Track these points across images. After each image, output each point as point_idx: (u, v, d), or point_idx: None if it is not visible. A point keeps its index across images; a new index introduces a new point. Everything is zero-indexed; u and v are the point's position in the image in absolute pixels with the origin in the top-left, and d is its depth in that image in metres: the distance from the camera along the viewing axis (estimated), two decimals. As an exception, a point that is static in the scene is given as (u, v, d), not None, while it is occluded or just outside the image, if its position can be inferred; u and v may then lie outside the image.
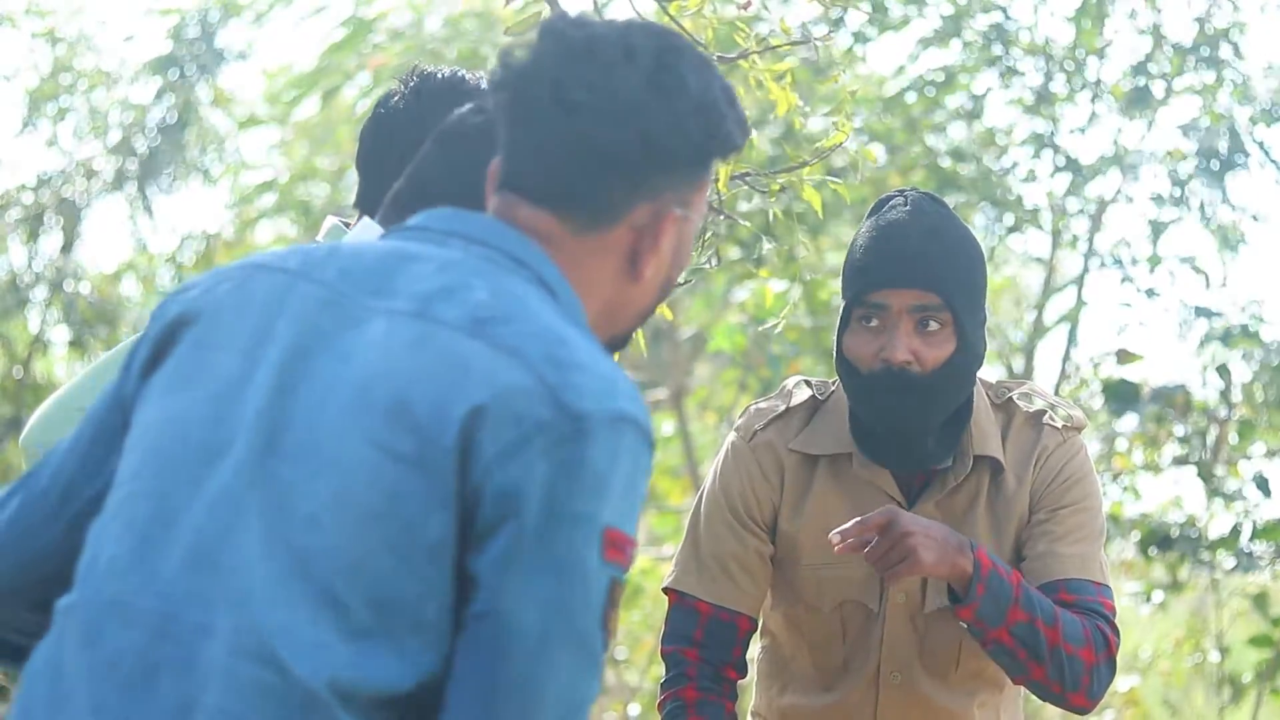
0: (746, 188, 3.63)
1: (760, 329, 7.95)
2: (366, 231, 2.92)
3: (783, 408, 3.31)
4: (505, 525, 1.95)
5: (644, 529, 9.37)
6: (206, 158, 9.82)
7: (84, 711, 1.96)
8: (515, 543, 1.95)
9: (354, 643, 1.95)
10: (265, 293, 2.07)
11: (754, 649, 3.45)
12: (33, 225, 9.59)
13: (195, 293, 2.11)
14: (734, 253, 7.50)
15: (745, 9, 3.67)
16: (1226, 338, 7.41)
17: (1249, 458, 7.52)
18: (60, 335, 10.05)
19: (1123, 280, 7.72)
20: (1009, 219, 7.92)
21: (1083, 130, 7.73)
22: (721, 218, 3.59)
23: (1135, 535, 7.58)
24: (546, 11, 3.38)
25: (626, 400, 2.00)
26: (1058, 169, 7.72)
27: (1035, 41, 7.65)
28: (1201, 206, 7.60)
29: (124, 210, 9.82)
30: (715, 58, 3.26)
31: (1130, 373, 7.63)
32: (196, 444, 2.02)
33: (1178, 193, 7.62)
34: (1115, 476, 7.62)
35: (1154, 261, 7.68)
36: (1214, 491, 7.46)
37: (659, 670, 7.67)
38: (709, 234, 3.57)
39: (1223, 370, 7.43)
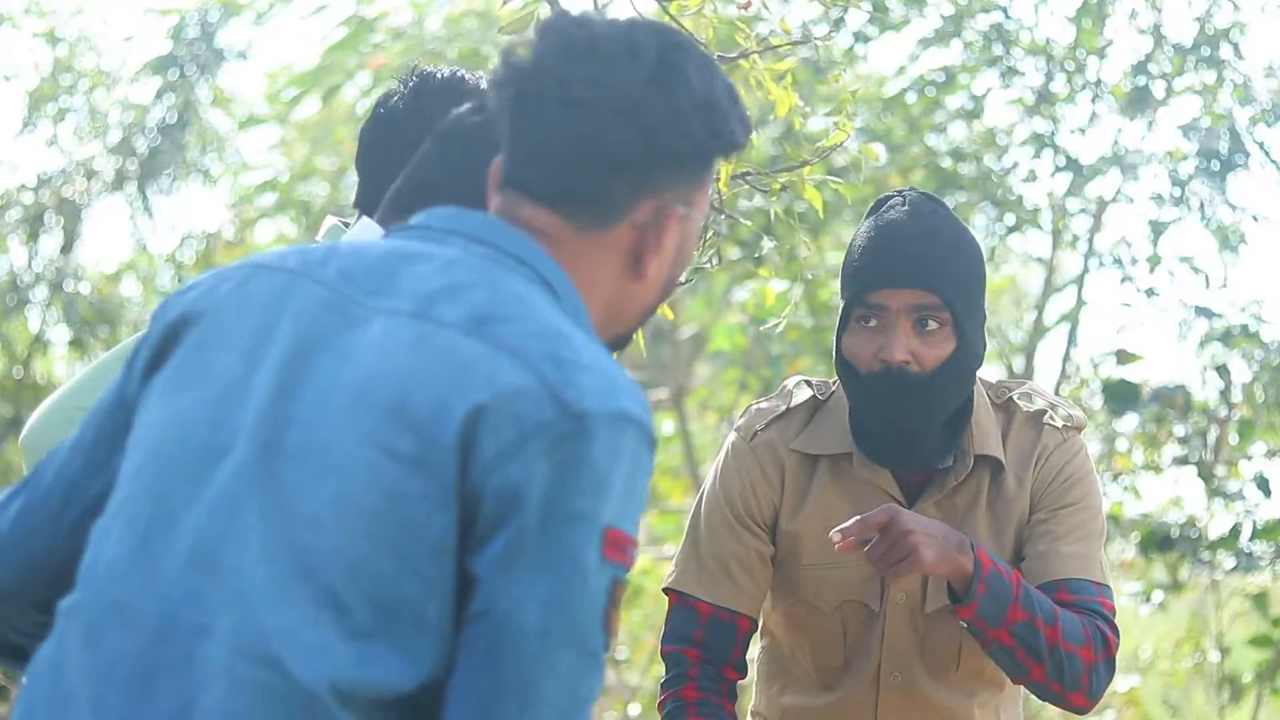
0: (747, 187, 3.63)
1: (761, 329, 7.95)
2: (365, 231, 2.92)
3: (783, 408, 3.31)
4: (506, 525, 1.95)
5: (644, 529, 9.36)
6: (206, 158, 9.82)
7: (84, 712, 1.96)
8: (515, 542, 1.95)
9: (355, 644, 1.94)
10: (267, 293, 2.07)
11: (754, 649, 3.45)
12: (33, 225, 9.59)
13: (197, 293, 2.11)
14: (734, 253, 7.50)
15: (745, 9, 3.67)
16: (1226, 338, 7.41)
17: (1249, 458, 7.51)
18: (60, 335, 10.05)
19: (1122, 280, 7.72)
20: (1010, 219, 7.92)
21: (1083, 130, 7.73)
22: (722, 217, 3.59)
23: (1135, 535, 7.58)
24: (544, 10, 3.38)
25: (628, 399, 1.99)
26: (1058, 169, 7.71)
27: (1036, 41, 7.65)
28: (1201, 206, 7.60)
29: (124, 210, 9.82)
30: (715, 57, 3.26)
31: (1130, 373, 7.63)
32: (197, 445, 2.02)
33: (1178, 192, 7.62)
34: (1116, 476, 7.62)
35: (1154, 261, 7.68)
36: (1214, 491, 7.45)
37: (659, 670, 7.68)
38: (710, 233, 3.57)
39: (1222, 370, 7.43)
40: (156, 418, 2.05)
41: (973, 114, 7.87)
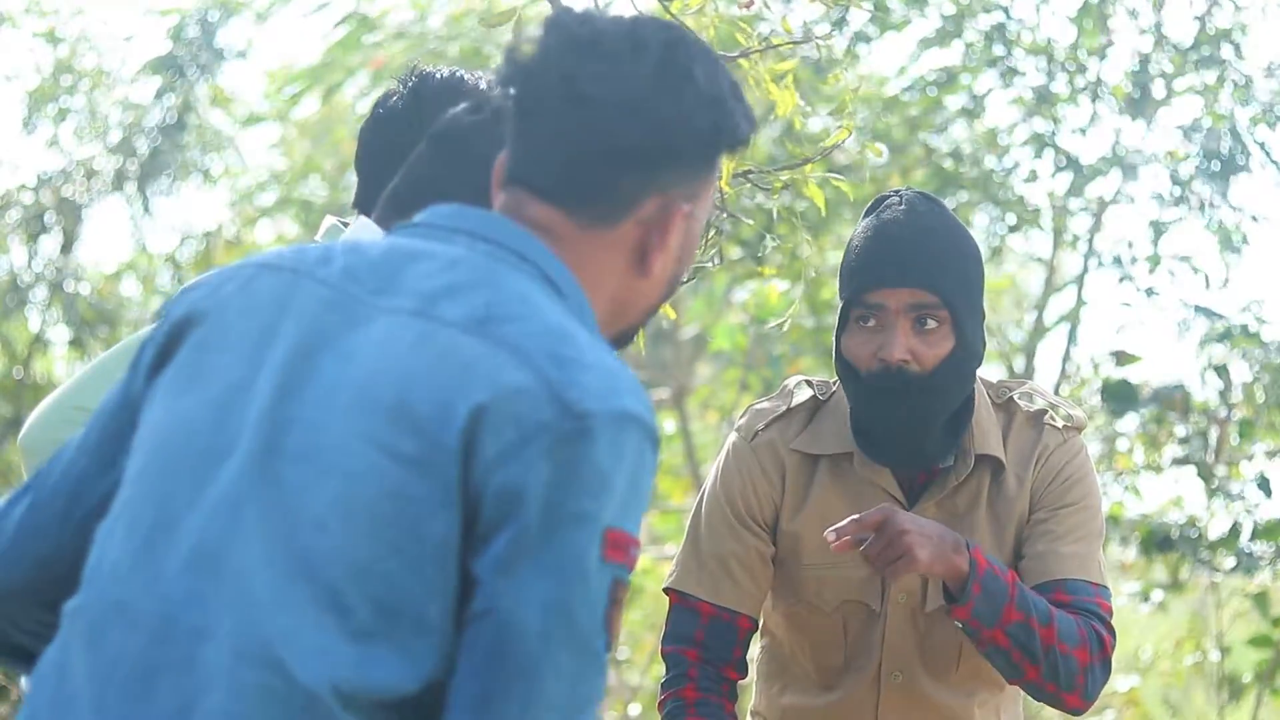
0: (749, 186, 3.63)
1: (762, 329, 7.95)
2: (364, 231, 2.92)
3: (784, 408, 3.31)
4: (507, 525, 1.94)
5: (645, 529, 9.36)
6: (206, 158, 9.82)
7: (86, 713, 1.96)
8: (516, 543, 1.94)
9: (357, 645, 1.94)
10: (270, 293, 2.06)
11: (754, 649, 3.45)
12: (33, 225, 9.59)
13: (200, 293, 2.10)
14: (736, 252, 7.50)
15: (747, 8, 3.66)
16: (1227, 338, 7.41)
17: (1250, 458, 7.51)
18: (60, 335, 10.05)
19: (1121, 280, 7.72)
20: (1011, 219, 7.92)
21: (1083, 131, 7.73)
22: (724, 215, 3.59)
23: (1136, 535, 7.58)
24: (534, 8, 3.37)
25: (631, 398, 1.99)
26: (1059, 169, 7.71)
27: (1037, 42, 7.65)
28: (1202, 206, 7.60)
29: (124, 210, 9.82)
30: (716, 56, 3.25)
31: (1130, 373, 7.63)
32: (200, 447, 2.01)
33: (1178, 192, 7.62)
34: (1118, 475, 7.63)
35: (1154, 261, 7.68)
36: (1214, 491, 7.45)
37: (659, 670, 7.67)
38: (712, 232, 3.57)
39: (1222, 370, 7.43)
40: (160, 419, 2.05)
41: (973, 114, 7.87)
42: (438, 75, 3.11)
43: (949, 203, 7.19)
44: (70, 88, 9.58)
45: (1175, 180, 7.64)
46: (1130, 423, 7.64)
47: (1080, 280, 8.05)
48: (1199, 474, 7.48)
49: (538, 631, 1.94)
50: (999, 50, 7.65)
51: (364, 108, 8.99)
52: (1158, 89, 7.63)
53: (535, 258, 2.07)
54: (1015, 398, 3.31)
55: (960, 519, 3.24)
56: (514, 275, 2.05)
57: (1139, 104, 7.53)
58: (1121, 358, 7.64)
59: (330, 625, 1.94)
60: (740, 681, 3.33)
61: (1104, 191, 7.84)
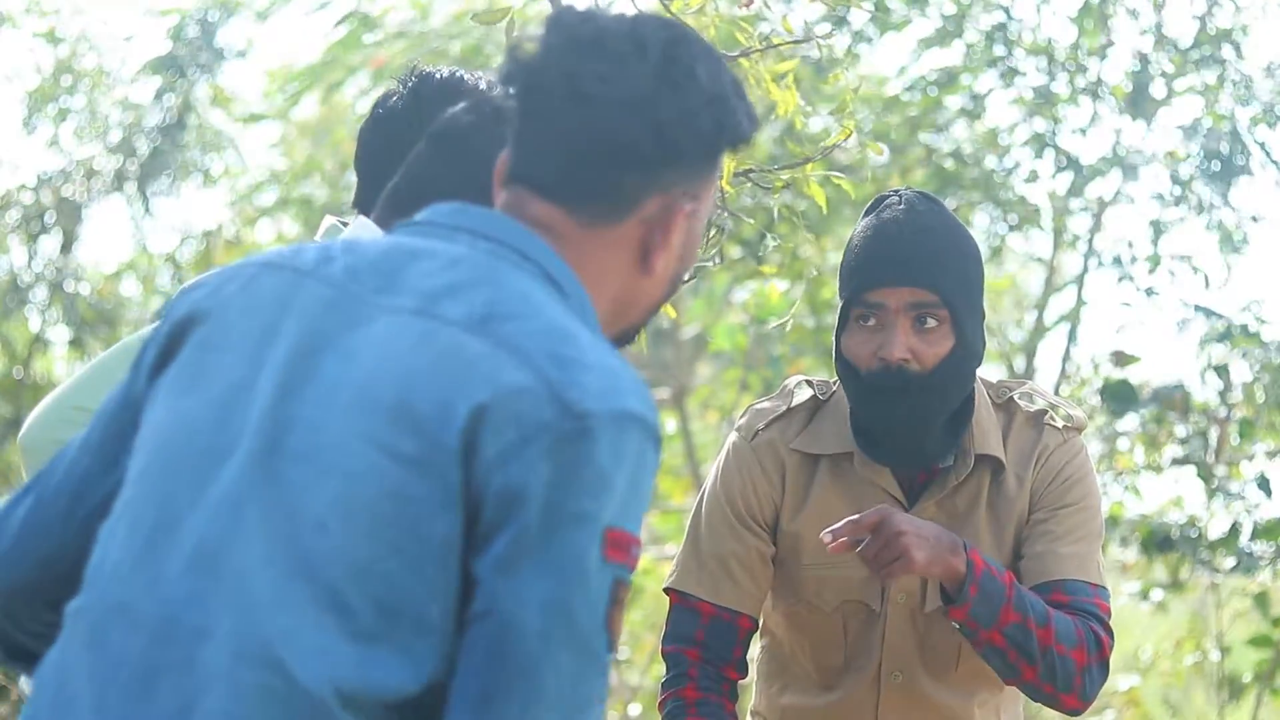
0: (749, 185, 3.63)
1: (763, 329, 7.95)
2: (363, 231, 2.92)
3: (784, 407, 3.31)
4: (507, 526, 1.94)
5: (645, 528, 9.36)
6: (206, 158, 9.82)
7: (87, 714, 1.96)
8: (516, 543, 1.94)
9: (358, 646, 1.94)
10: (272, 292, 2.06)
11: (754, 649, 3.45)
12: (33, 225, 9.59)
13: (203, 292, 2.10)
14: (736, 252, 7.51)
15: (746, 7, 3.66)
16: (1226, 338, 7.41)
17: (1250, 458, 7.51)
18: (60, 335, 10.06)
19: (1120, 279, 7.73)
20: (1012, 219, 7.92)
21: (1084, 131, 7.73)
22: (725, 214, 3.59)
23: (1136, 535, 7.58)
24: (528, 6, 3.37)
25: (632, 398, 1.98)
26: (1059, 169, 7.72)
27: (1037, 42, 7.65)
28: (1200, 205, 7.60)
29: (124, 210, 9.82)
30: (717, 56, 3.25)
31: (1131, 373, 7.63)
32: (201, 447, 2.01)
33: (1178, 192, 7.63)
34: (1117, 475, 7.63)
35: (1154, 261, 7.68)
36: (1214, 491, 7.45)
37: (659, 670, 7.67)
38: (713, 231, 3.56)
39: (1222, 370, 7.43)
40: (162, 419, 2.05)
41: (974, 114, 7.88)
42: (437, 75, 3.11)
43: (949, 203, 7.19)
44: (70, 88, 9.58)
45: (1175, 180, 7.64)
46: (1130, 423, 7.64)
47: (1080, 280, 8.05)
48: (1199, 474, 7.48)
49: (538, 631, 1.93)
50: (999, 50, 7.66)
51: (364, 107, 8.99)
52: (1158, 89, 7.63)
53: (537, 256, 2.07)
54: (1015, 398, 3.31)
55: (960, 519, 3.24)
56: (516, 274, 2.05)
57: (1139, 104, 7.53)
58: (1121, 359, 7.64)
59: (331, 626, 1.93)
60: (740, 681, 3.33)
61: (1104, 191, 7.84)
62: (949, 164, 7.78)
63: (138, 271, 10.63)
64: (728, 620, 3.28)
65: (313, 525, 1.95)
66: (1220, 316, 7.47)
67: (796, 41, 3.62)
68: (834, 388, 3.31)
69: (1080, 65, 7.64)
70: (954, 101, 7.88)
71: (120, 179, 9.58)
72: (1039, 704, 3.25)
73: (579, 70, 2.07)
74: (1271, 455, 7.51)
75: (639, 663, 9.05)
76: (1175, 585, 7.79)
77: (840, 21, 7.47)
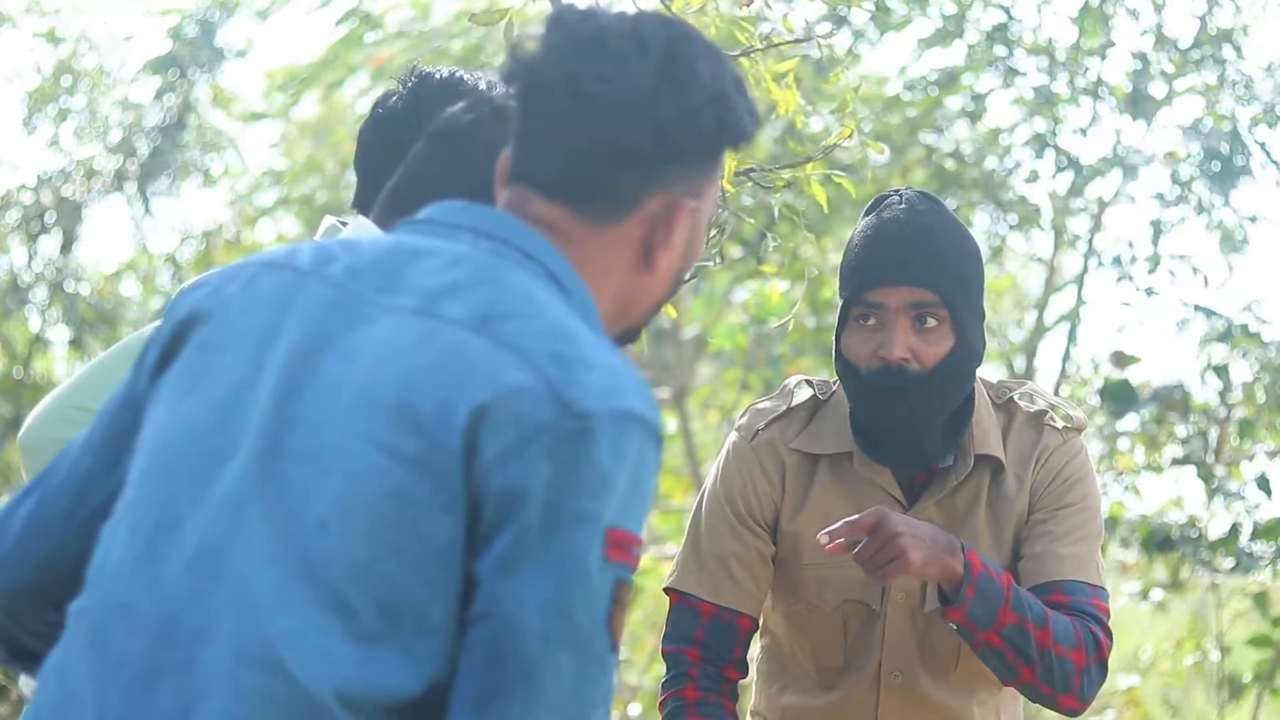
0: (750, 184, 3.62)
1: (763, 329, 7.95)
2: (362, 231, 2.92)
3: (784, 407, 3.31)
4: (507, 526, 1.93)
5: (645, 528, 9.36)
6: (206, 158, 9.82)
7: (89, 714, 1.96)
8: (517, 544, 1.93)
9: (361, 648, 1.93)
10: (272, 292, 2.06)
11: (754, 648, 3.45)
12: (33, 225, 9.59)
13: (204, 292, 2.10)
14: (737, 252, 7.51)
15: (746, 6, 3.66)
16: (1226, 337, 7.41)
17: (1250, 458, 7.51)
18: (60, 335, 10.06)
19: (1119, 279, 7.73)
20: (1012, 219, 7.92)
21: (1084, 131, 7.73)
22: (725, 214, 3.59)
23: (1136, 535, 7.58)
24: (527, 6, 3.37)
25: (633, 397, 1.98)
26: (1059, 169, 7.72)
27: (1038, 42, 7.65)
28: (1200, 205, 7.60)
29: (124, 210, 9.82)
30: (717, 55, 3.25)
31: (1131, 373, 7.63)
32: (203, 447, 2.01)
33: (1178, 192, 7.63)
34: (1117, 476, 7.63)
35: (1154, 261, 7.68)
36: (1214, 491, 7.45)
37: (659, 670, 7.67)
38: (714, 231, 3.56)
39: (1222, 370, 7.43)
40: (163, 419, 2.05)
41: (974, 114, 7.88)
42: (437, 75, 3.11)
43: (950, 203, 7.19)
44: (70, 88, 9.59)
45: (1175, 180, 7.65)
46: (1130, 423, 7.64)
47: (1080, 280, 8.05)
48: (1199, 474, 7.48)
49: (538, 632, 1.93)
50: (1000, 50, 7.65)
51: (364, 107, 8.99)
52: (1158, 89, 7.63)
53: (539, 255, 2.07)
54: (1015, 398, 3.31)
55: (959, 519, 3.24)
56: (518, 272, 2.05)
57: (1139, 104, 7.53)
58: (1121, 359, 7.64)
59: (334, 627, 1.93)
60: (740, 681, 3.33)
61: (1104, 191, 7.84)
62: (949, 164, 7.78)
63: (138, 271, 10.63)
64: (728, 620, 3.28)
65: (314, 525, 1.94)
66: (1220, 316, 7.47)
67: (797, 41, 3.62)
68: (834, 388, 3.31)
69: (1081, 65, 7.64)
70: (954, 101, 7.88)
71: (120, 179, 9.58)
72: (1038, 704, 3.25)
73: (580, 69, 2.07)
74: (1271, 455, 7.51)
75: (639, 663, 9.05)
76: (1175, 585, 7.79)
77: (841, 21, 7.47)
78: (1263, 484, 7.37)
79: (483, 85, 3.02)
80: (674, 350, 9.49)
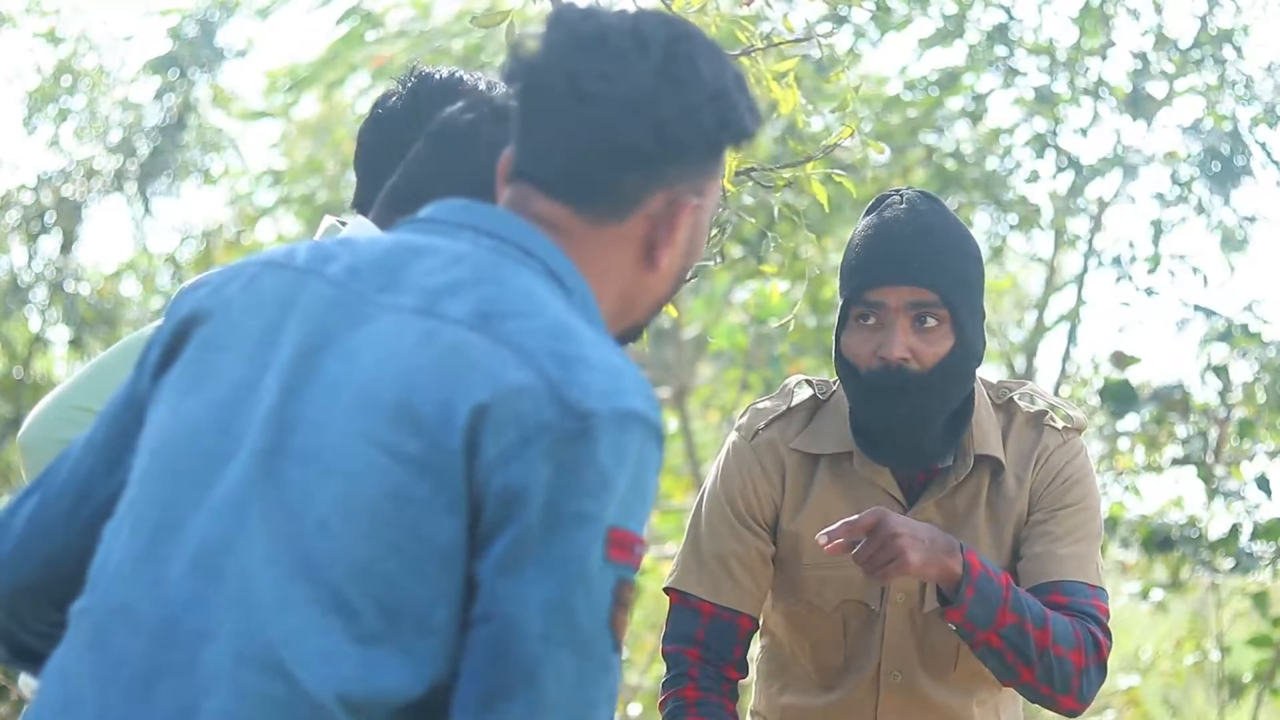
0: (751, 183, 3.62)
1: (763, 329, 7.95)
2: (362, 230, 2.92)
3: (784, 407, 3.31)
4: (508, 527, 1.93)
5: (645, 528, 9.35)
6: (206, 158, 9.82)
7: (89, 715, 1.95)
8: (518, 544, 1.93)
9: (362, 649, 1.93)
10: (274, 291, 2.06)
11: (754, 648, 3.45)
12: (33, 225, 9.60)
13: (205, 291, 2.10)
14: (737, 251, 7.51)
15: (747, 6, 3.66)
16: (1227, 337, 7.41)
17: (1250, 458, 7.51)
18: (60, 335, 10.06)
19: (1119, 279, 7.73)
20: (1013, 219, 7.92)
21: (1084, 131, 7.74)
22: (726, 213, 3.59)
23: (1136, 536, 7.58)
24: (527, 6, 3.37)
25: (634, 396, 1.97)
26: (1060, 169, 7.72)
27: (1038, 42, 7.65)
28: (1200, 205, 7.60)
29: (124, 210, 9.82)
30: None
31: (1131, 373, 7.63)
32: (204, 448, 2.00)
33: (1178, 192, 7.63)
34: (1117, 476, 7.63)
35: (1154, 261, 7.69)
36: (1214, 491, 7.46)
37: (659, 670, 7.67)
38: (715, 230, 3.56)
39: (1222, 370, 7.43)
40: (165, 419, 2.04)
41: (975, 114, 7.88)
42: (436, 75, 3.11)
43: (950, 203, 7.19)
44: (70, 88, 9.59)
45: (1175, 180, 7.65)
46: (1130, 423, 7.64)
47: (1080, 280, 8.05)
48: (1199, 474, 7.48)
49: (539, 633, 1.93)
50: (1001, 50, 7.66)
51: (364, 107, 8.99)
52: (1158, 89, 7.63)
53: (540, 253, 2.06)
54: (1015, 398, 3.31)
55: (959, 519, 3.24)
56: (519, 271, 2.04)
57: (1139, 104, 7.54)
58: (1121, 359, 7.64)
59: (336, 628, 1.92)
60: (740, 681, 3.33)
61: (1104, 191, 7.84)
62: (950, 164, 7.78)
63: (138, 271, 10.63)
64: (728, 620, 3.28)
65: (314, 526, 1.94)
66: (1220, 316, 7.47)
67: (797, 40, 3.62)
68: (834, 387, 3.31)
69: (1081, 65, 7.64)
70: (955, 101, 7.89)
71: (120, 179, 9.58)
72: (1037, 704, 3.25)
73: (580, 68, 2.07)
74: (1271, 455, 7.51)
75: (639, 663, 9.05)
76: (1175, 585, 7.80)
77: (841, 20, 7.47)
78: (1263, 484, 7.37)
79: (482, 85, 3.02)
80: (674, 350, 9.49)
